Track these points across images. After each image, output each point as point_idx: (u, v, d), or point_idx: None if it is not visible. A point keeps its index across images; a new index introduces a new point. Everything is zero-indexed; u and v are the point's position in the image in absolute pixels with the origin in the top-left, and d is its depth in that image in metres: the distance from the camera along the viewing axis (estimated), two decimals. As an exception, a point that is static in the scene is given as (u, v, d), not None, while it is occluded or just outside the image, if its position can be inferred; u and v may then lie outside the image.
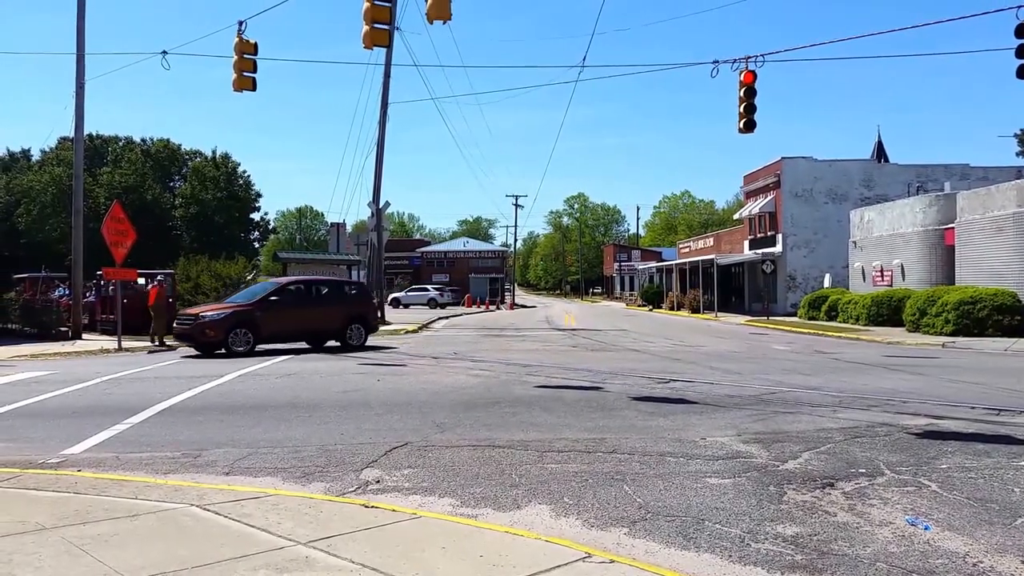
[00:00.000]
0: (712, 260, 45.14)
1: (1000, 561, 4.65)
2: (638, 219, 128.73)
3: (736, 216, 54.81)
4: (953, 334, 23.46)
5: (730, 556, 4.75)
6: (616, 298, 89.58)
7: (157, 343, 21.86)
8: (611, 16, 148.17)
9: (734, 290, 49.71)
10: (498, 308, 63.31)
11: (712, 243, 58.01)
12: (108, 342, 22.49)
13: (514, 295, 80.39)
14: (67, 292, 33.17)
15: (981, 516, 5.50)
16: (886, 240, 33.66)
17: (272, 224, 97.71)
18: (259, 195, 78.87)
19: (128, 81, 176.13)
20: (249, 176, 77.52)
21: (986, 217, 26.74)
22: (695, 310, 46.24)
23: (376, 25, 14.57)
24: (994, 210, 26.30)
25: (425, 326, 33.76)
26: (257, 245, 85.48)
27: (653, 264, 71.19)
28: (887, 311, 29.24)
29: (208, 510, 5.54)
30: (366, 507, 5.66)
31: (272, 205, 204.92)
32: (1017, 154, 77.66)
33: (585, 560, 4.55)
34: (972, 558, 4.70)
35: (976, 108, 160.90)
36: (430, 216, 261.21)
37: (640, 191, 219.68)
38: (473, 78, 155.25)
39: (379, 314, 33.05)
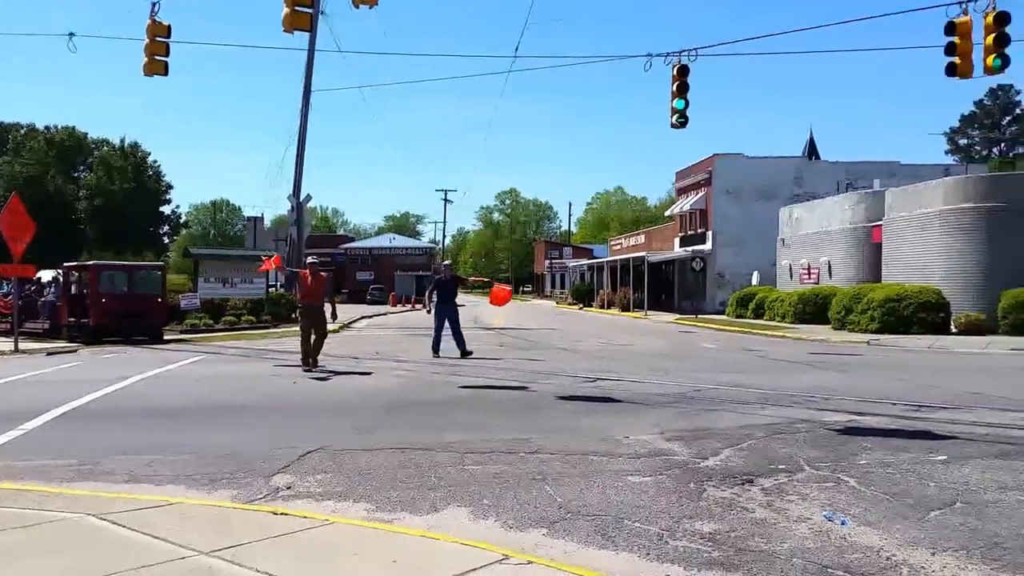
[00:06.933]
0: (643, 258, 45.44)
1: (912, 554, 4.70)
2: (570, 216, 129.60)
3: (667, 213, 54.87)
4: (878, 332, 23.75)
5: (648, 554, 4.71)
6: (547, 296, 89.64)
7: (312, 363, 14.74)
8: (547, 5, 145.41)
9: (665, 288, 50.13)
10: (424, 307, 62.85)
11: (643, 240, 58.44)
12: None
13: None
14: (8, 290, 31.20)
15: (897, 510, 5.56)
16: (814, 238, 34.27)
17: (184, 218, 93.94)
18: (170, 187, 76.64)
19: (31, 65, 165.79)
20: (159, 166, 75.31)
21: (913, 215, 27.17)
22: (625, 308, 46.56)
23: (297, 8, 14.14)
24: (921, 207, 26.73)
25: (346, 326, 33.14)
26: (167, 240, 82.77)
27: (584, 262, 71.33)
28: (813, 309, 29.60)
29: (107, 520, 5.25)
30: (275, 514, 5.43)
31: (184, 198, 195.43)
32: (946, 152, 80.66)
33: (502, 562, 4.45)
34: (886, 552, 4.75)
35: (907, 106, 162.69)
36: (356, 211, 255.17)
37: (573, 187, 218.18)
38: (405, 68, 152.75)
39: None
